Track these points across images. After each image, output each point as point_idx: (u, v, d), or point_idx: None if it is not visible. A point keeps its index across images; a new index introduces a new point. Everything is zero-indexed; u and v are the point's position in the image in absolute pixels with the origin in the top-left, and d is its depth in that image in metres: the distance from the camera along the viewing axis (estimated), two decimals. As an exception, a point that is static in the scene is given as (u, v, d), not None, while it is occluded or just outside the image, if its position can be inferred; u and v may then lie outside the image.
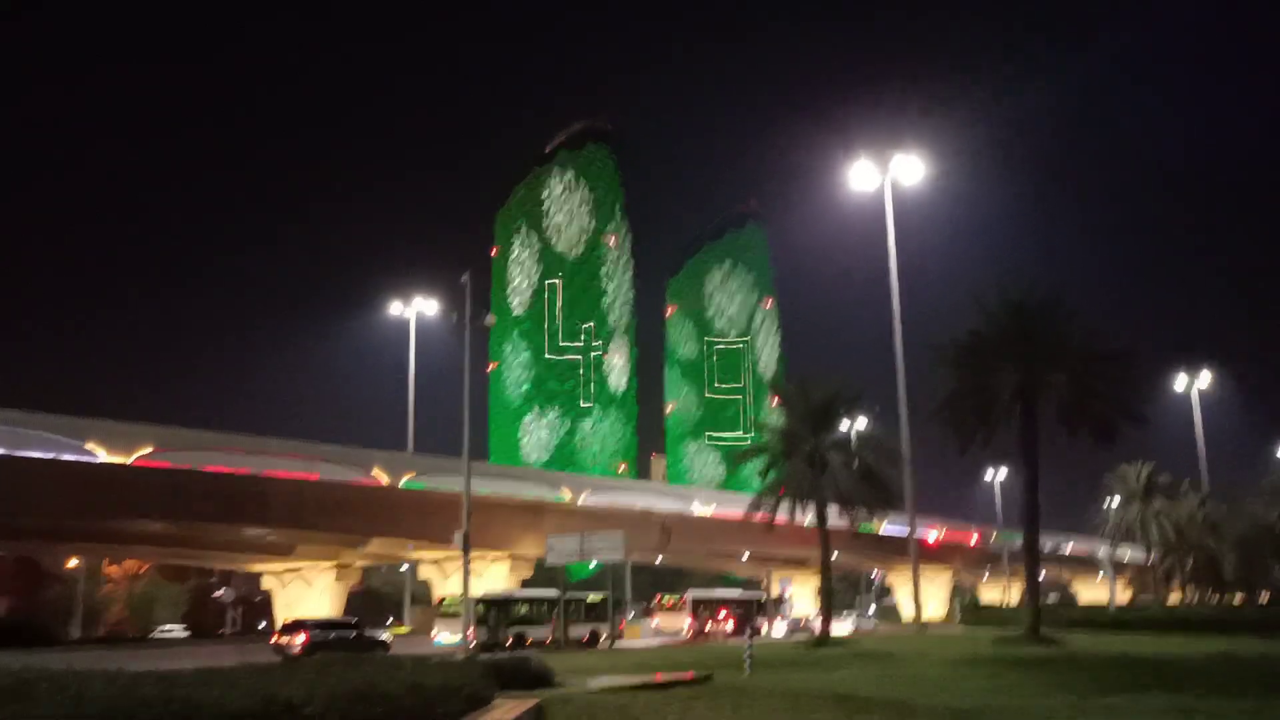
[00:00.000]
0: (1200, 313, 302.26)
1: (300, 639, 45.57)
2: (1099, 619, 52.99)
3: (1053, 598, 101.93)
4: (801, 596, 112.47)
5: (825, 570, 38.76)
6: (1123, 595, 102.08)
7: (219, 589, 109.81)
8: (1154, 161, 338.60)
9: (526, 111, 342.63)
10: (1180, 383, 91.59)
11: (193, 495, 53.27)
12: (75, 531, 62.54)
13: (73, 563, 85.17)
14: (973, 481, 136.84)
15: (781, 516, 38.22)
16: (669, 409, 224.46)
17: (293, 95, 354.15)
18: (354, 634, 48.46)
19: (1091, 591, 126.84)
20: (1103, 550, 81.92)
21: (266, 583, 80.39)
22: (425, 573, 71.52)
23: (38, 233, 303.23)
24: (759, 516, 39.13)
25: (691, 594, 71.28)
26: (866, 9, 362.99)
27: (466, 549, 40.31)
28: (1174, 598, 76.28)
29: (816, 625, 72.58)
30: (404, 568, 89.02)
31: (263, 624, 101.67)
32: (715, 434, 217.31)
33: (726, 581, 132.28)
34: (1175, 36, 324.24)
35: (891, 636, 62.28)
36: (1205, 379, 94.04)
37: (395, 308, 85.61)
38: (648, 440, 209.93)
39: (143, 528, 60.98)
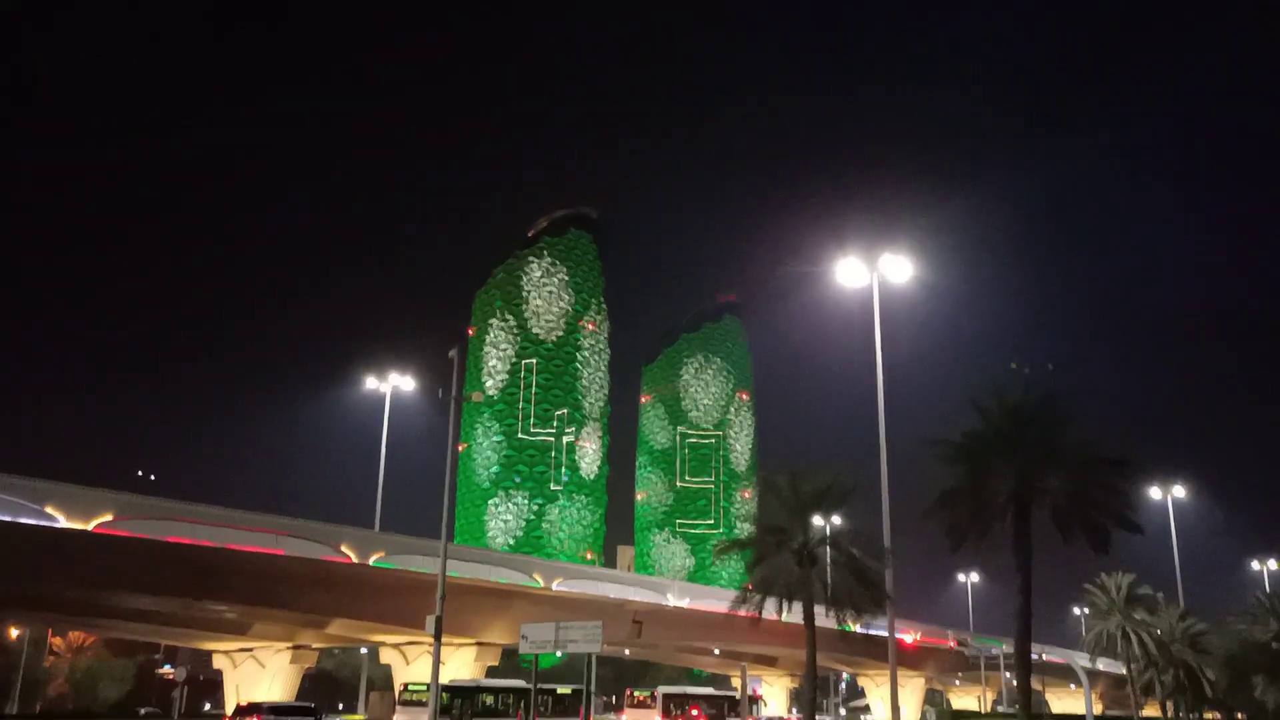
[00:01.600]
0: (1180, 417, 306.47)
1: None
2: (1083, 733, 51.63)
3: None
4: (770, 696, 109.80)
5: (811, 670, 37.50)
6: (1095, 707, 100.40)
7: (164, 665, 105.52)
8: (1139, 261, 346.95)
9: (509, 195, 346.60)
10: (1155, 493, 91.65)
11: (153, 566, 51.19)
12: (25, 599, 59.87)
13: (14, 633, 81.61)
14: (945, 585, 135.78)
15: (769, 614, 37.06)
16: (639, 498, 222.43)
17: (277, 170, 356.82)
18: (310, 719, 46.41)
19: (1063, 702, 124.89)
20: (1081, 660, 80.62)
21: (218, 662, 77.13)
22: (387, 656, 68.93)
23: (7, 300, 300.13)
24: (743, 612, 37.93)
25: (662, 690, 69.73)
26: (853, 106, 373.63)
27: (439, 634, 38.72)
28: (1147, 711, 74.90)
29: (788, 726, 70.95)
30: (363, 650, 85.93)
31: (207, 706, 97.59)
32: (685, 524, 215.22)
33: (691, 677, 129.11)
34: (1166, 132, 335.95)
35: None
36: (1180, 490, 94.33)
37: (370, 384, 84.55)
38: (615, 528, 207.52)
39: (96, 598, 58.47)
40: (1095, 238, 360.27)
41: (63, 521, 47.78)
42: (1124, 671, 73.00)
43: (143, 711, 76.25)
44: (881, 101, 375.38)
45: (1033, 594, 34.77)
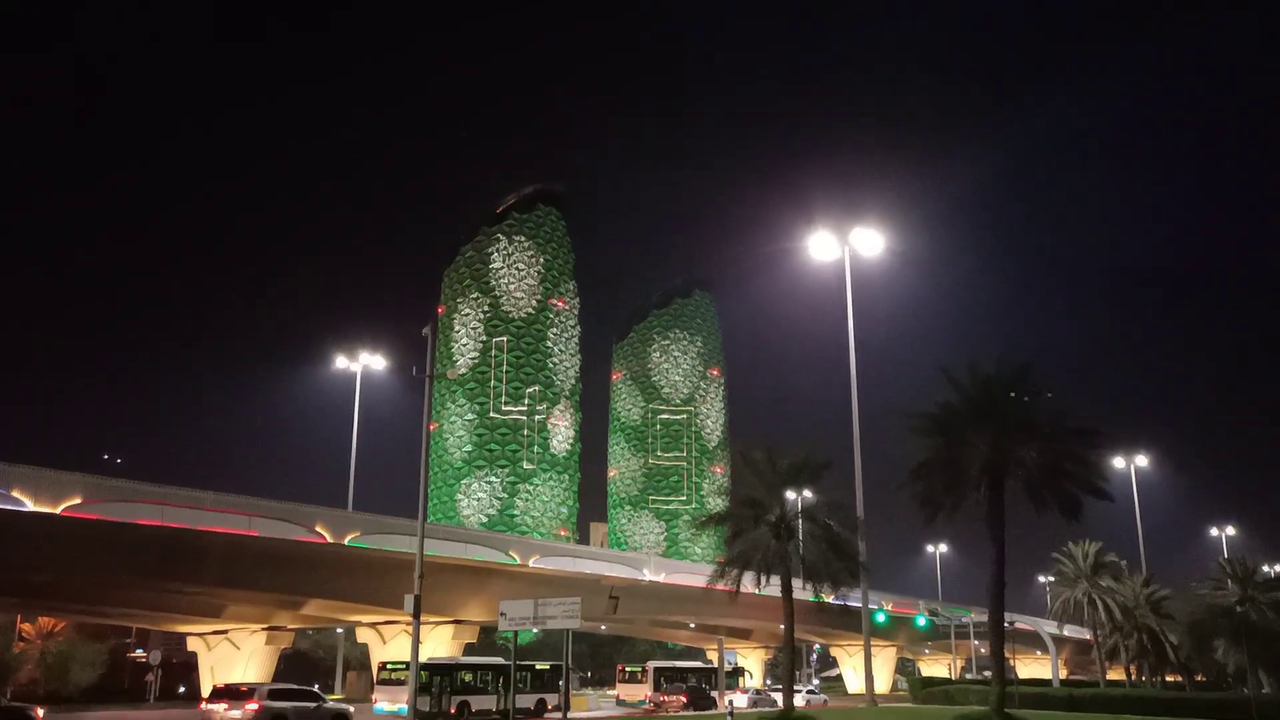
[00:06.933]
0: (1142, 387, 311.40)
1: (251, 707, 42.31)
2: (1053, 697, 52.76)
3: (988, 675, 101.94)
4: (746, 668, 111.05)
5: (789, 642, 37.96)
6: (1060, 671, 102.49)
7: (136, 649, 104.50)
8: (1103, 232, 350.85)
9: (477, 173, 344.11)
10: (1119, 462, 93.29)
11: (123, 548, 50.68)
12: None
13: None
14: (914, 557, 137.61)
15: (747, 586, 37.40)
16: (612, 474, 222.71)
17: (242, 151, 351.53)
18: (314, 705, 45.37)
19: (1029, 668, 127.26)
20: (1048, 627, 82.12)
21: (192, 644, 76.69)
22: (364, 636, 68.95)
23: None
24: (721, 586, 38.27)
25: (653, 665, 71.92)
26: (820, 81, 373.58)
27: (418, 614, 38.70)
28: (1111, 674, 76.73)
29: (775, 697, 71.95)
30: (339, 630, 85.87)
31: (181, 689, 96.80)
32: (658, 500, 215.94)
33: (665, 650, 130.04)
34: (1134, 105, 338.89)
35: (848, 710, 61.50)
36: (1142, 460, 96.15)
37: (340, 363, 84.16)
38: (588, 505, 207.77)
39: (66, 582, 57.81)
40: (1060, 208, 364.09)
41: (30, 505, 47.13)
42: (1089, 637, 74.59)
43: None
44: (847, 77, 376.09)
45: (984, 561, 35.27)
